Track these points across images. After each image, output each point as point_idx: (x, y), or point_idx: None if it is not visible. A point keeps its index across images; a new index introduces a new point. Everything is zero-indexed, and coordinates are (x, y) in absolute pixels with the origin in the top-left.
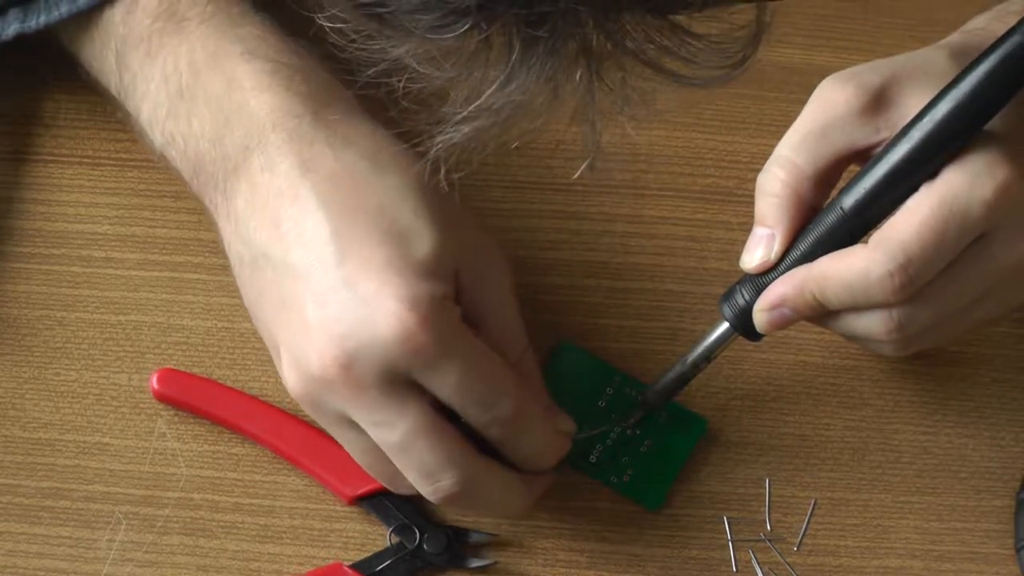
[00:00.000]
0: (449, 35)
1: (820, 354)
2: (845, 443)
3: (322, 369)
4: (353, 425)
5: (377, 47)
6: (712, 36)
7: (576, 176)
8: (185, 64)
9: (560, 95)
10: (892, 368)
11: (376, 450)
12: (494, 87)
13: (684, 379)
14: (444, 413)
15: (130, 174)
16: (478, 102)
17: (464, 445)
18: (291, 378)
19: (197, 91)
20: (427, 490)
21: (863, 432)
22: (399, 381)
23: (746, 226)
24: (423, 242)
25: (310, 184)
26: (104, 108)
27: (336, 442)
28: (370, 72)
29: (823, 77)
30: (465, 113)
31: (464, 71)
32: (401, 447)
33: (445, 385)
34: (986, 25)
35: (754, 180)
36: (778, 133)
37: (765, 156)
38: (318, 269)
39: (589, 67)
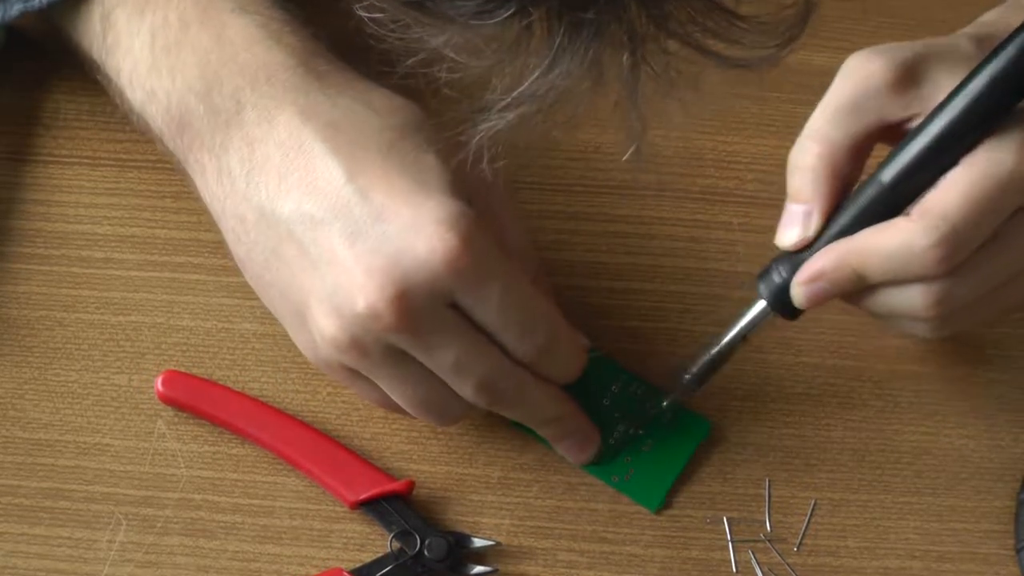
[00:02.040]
0: (491, 21)
1: (820, 355)
2: (845, 444)
3: (369, 306)
4: (402, 358)
5: (416, 36)
6: (758, 16)
7: (624, 159)
8: (175, 19)
9: (604, 80)
10: (892, 369)
11: (430, 378)
12: (537, 73)
13: (719, 361)
14: None
15: (130, 174)
16: (521, 88)
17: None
18: (331, 327)
19: (185, 45)
20: (486, 400)
21: (863, 433)
22: (447, 303)
23: (747, 227)
24: (438, 169)
25: (312, 132)
26: (104, 108)
27: (339, 446)
28: (409, 62)
29: (823, 77)
30: (508, 100)
31: (506, 58)
32: (458, 365)
33: (488, 309)
34: (999, 18)
35: (754, 180)
36: (778, 133)
37: (765, 156)
38: (342, 212)
39: (634, 51)
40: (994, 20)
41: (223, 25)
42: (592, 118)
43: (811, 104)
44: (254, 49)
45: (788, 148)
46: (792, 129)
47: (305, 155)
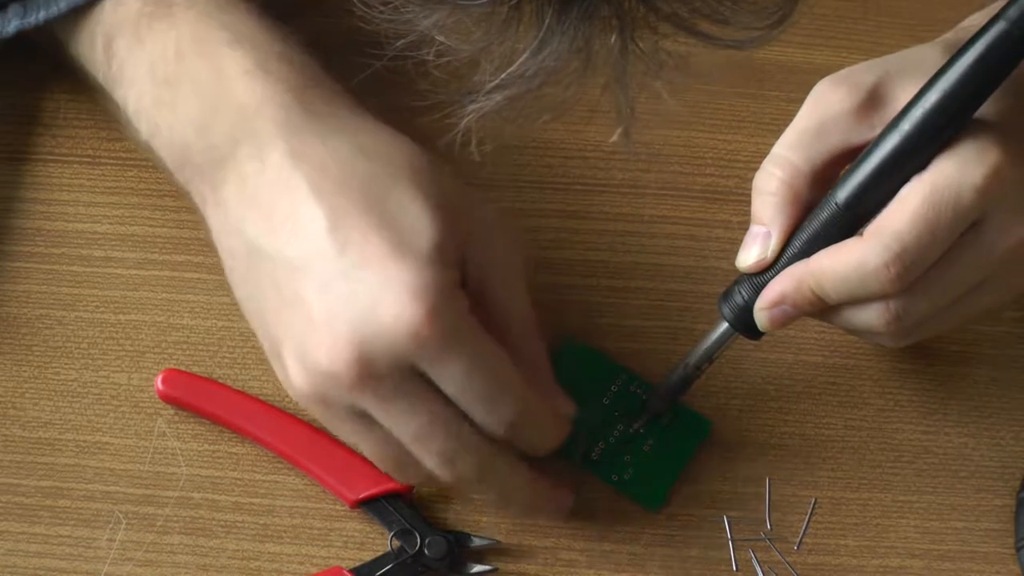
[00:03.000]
0: (480, 2)
1: (820, 353)
2: (845, 442)
3: (331, 364)
4: (365, 419)
5: (406, 18)
6: None
7: (612, 140)
8: (172, 51)
9: (593, 61)
10: (892, 368)
11: (390, 442)
12: (526, 54)
13: (687, 381)
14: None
15: (130, 174)
16: (510, 70)
17: (478, 432)
18: (297, 377)
19: (183, 78)
20: (446, 475)
21: (863, 431)
22: (412, 371)
23: (746, 225)
24: (424, 228)
25: (302, 175)
26: (104, 108)
27: (339, 445)
28: (398, 44)
29: (823, 77)
30: (497, 81)
31: (495, 40)
32: (418, 436)
33: (452, 381)
34: (982, 22)
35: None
36: (778, 132)
37: (765, 155)
38: (317, 262)
39: (622, 32)
40: (973, 27)
41: (219, 57)
42: (581, 102)
43: None
44: (250, 85)
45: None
46: None
47: (292, 197)
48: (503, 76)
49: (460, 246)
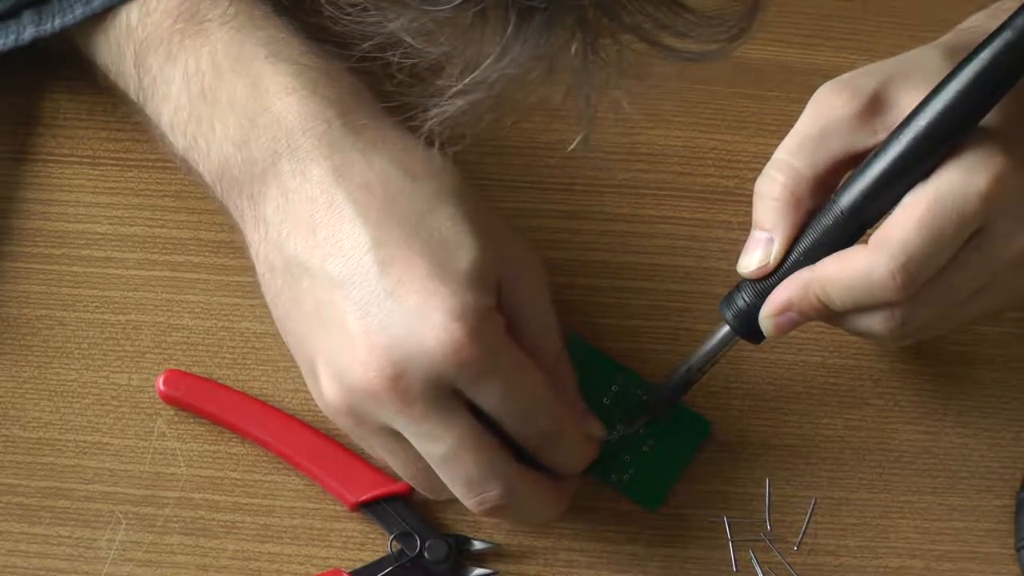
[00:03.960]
0: (445, 6)
1: (820, 354)
2: (845, 443)
3: (367, 381)
4: (396, 436)
5: (372, 20)
6: (707, 11)
7: (570, 149)
8: (208, 66)
9: (555, 68)
10: (892, 368)
11: (420, 461)
12: (489, 60)
13: (687, 384)
14: (484, 420)
15: (130, 174)
16: (473, 75)
17: (507, 456)
18: (331, 391)
19: (220, 94)
20: (471, 502)
21: (863, 432)
22: (446, 393)
23: (747, 225)
24: (465, 251)
25: (345, 192)
26: (104, 108)
27: (340, 447)
28: (365, 46)
29: (823, 77)
30: (460, 87)
31: (459, 45)
32: (446, 459)
33: (489, 398)
34: (981, 24)
35: (754, 180)
36: (778, 132)
37: (765, 156)
38: (359, 279)
39: (584, 41)
40: (974, 27)
41: (257, 74)
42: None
43: None
44: (289, 99)
45: None
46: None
47: (335, 214)
48: (466, 81)
49: (497, 271)
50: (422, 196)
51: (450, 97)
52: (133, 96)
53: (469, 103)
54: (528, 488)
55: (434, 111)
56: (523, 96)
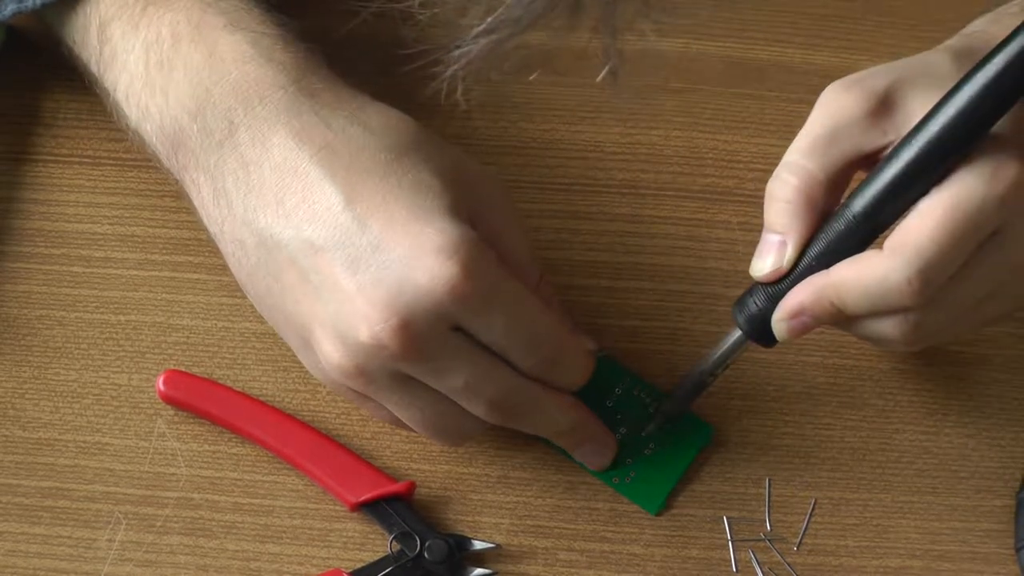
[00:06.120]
0: None
1: (820, 354)
2: (845, 443)
3: (373, 336)
4: (408, 385)
5: None
6: None
7: (599, 79)
8: (168, 34)
9: (582, 4)
10: (892, 368)
11: (437, 403)
12: None
13: (700, 388)
14: None
15: (130, 174)
16: (498, 13)
17: (518, 371)
18: (335, 354)
19: (176, 62)
20: (498, 418)
21: (863, 432)
22: (452, 327)
23: (746, 225)
24: (437, 190)
25: (308, 156)
26: (104, 108)
27: (340, 447)
28: None
29: (823, 77)
30: (484, 25)
31: None
32: (468, 387)
33: (492, 330)
34: (985, 28)
35: (754, 180)
36: (778, 132)
37: (765, 156)
38: (341, 239)
39: None
40: (978, 31)
41: (215, 42)
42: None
43: (811, 103)
44: (246, 67)
45: (788, 147)
46: (792, 128)
47: (302, 179)
48: (491, 20)
49: (469, 205)
50: (383, 147)
51: (475, 37)
52: (94, 68)
53: (494, 43)
54: (545, 392)
55: (458, 52)
56: (549, 37)
